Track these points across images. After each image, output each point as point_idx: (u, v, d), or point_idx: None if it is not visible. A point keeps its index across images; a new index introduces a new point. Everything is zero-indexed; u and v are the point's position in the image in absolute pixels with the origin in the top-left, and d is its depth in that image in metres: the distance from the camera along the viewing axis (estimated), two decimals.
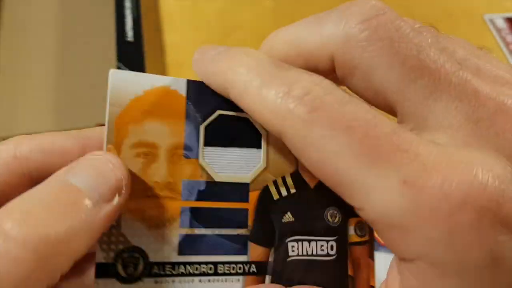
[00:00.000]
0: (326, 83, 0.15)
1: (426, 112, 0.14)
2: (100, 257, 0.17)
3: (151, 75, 0.19)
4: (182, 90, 0.19)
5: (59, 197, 0.14)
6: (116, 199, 0.15)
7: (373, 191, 0.14)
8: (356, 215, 0.17)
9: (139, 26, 0.44)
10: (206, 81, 0.18)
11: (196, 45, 0.50)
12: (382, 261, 0.36)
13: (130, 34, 0.43)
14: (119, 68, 0.40)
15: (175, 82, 0.19)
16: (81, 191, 0.14)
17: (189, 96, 0.19)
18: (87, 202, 0.14)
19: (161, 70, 0.45)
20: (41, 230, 0.13)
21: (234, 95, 0.16)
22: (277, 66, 0.16)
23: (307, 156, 0.15)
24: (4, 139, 0.37)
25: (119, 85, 0.19)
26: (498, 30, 0.50)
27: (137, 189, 0.18)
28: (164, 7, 0.50)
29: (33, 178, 0.17)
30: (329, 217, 0.20)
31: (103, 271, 0.17)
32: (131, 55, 0.42)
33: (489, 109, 0.14)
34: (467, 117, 0.14)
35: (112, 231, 0.17)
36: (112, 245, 0.17)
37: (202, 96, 0.19)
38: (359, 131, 0.14)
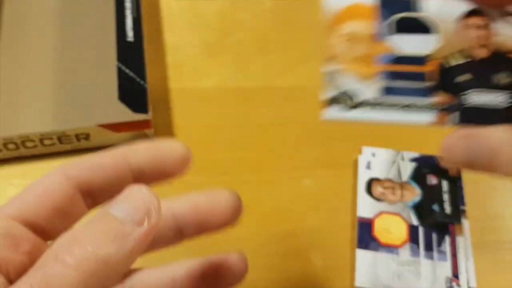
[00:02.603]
0: None
1: None
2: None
3: None
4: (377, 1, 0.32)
5: (102, 226, 0.17)
6: (146, 222, 0.17)
7: None
8: None
9: (139, 26, 0.44)
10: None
11: (196, 45, 0.51)
12: (380, 262, 0.36)
13: (130, 34, 0.43)
14: (119, 68, 0.41)
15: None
16: (117, 219, 0.17)
17: (382, 4, 0.31)
18: (123, 227, 0.17)
19: (162, 69, 0.45)
20: (90, 255, 0.16)
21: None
22: None
23: None
24: (4, 139, 0.38)
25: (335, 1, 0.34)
26: None
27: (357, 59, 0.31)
28: (164, 7, 0.50)
29: (83, 192, 0.20)
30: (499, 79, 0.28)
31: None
32: (131, 55, 0.42)
33: None
34: None
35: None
36: (332, 89, 0.33)
37: (391, 4, 0.31)
38: None
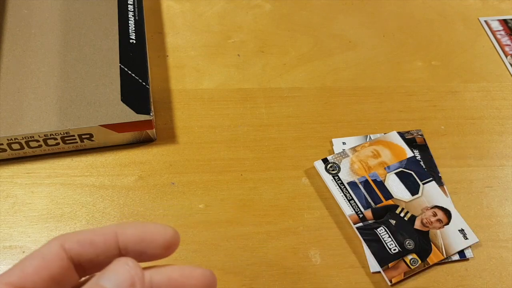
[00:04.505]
0: None
1: None
2: None
3: None
4: None
5: None
6: None
7: None
8: None
9: (141, 29, 0.45)
10: None
11: (197, 47, 0.52)
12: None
13: (132, 36, 0.44)
14: (121, 69, 0.41)
15: None
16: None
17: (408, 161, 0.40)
18: None
19: (163, 71, 0.46)
20: None
21: None
22: None
23: None
24: (9, 139, 0.38)
25: None
26: (493, 32, 0.51)
27: None
28: (166, 10, 0.51)
29: (75, 263, 0.22)
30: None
31: None
32: (134, 57, 0.42)
33: None
34: None
35: None
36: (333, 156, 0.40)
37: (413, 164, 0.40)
38: None
